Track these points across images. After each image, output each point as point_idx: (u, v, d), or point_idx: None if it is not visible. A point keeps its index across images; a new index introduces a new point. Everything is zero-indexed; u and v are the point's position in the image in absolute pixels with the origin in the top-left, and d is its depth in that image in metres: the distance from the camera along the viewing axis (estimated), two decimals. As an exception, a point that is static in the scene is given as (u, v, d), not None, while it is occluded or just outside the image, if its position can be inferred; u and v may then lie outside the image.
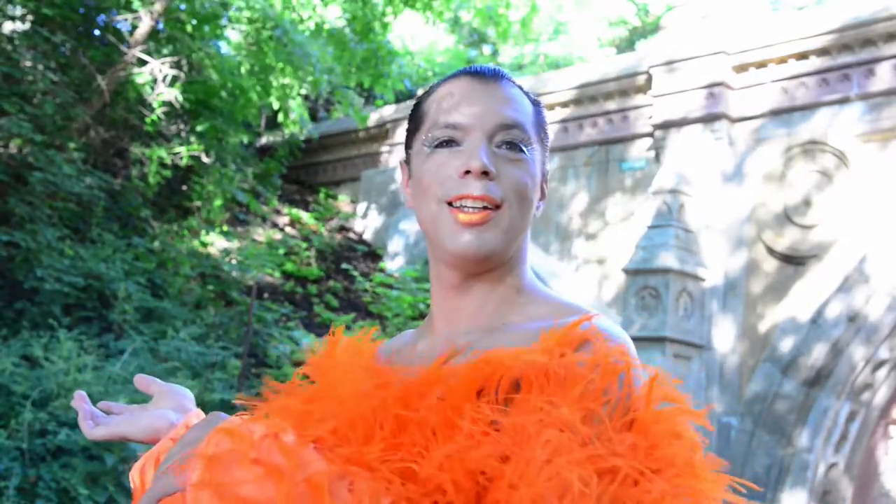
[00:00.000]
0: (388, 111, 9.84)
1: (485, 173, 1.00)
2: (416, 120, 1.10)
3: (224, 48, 9.43)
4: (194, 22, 8.15)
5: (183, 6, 7.99)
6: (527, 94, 1.11)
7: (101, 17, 8.60)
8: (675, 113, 7.17)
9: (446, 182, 1.02)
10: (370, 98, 12.13)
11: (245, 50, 8.56)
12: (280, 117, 9.20)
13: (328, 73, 8.36)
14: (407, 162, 1.12)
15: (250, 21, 8.21)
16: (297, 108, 9.06)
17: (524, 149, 1.04)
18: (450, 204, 1.01)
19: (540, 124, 1.10)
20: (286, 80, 8.65)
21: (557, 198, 8.21)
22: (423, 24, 9.73)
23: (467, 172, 1.00)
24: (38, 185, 6.54)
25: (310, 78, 8.28)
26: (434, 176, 1.03)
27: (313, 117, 11.37)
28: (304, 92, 9.28)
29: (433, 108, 1.07)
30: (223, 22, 8.60)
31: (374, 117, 9.84)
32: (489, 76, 1.07)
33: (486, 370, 0.90)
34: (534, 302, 1.06)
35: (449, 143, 1.04)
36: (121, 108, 8.46)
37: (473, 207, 1.00)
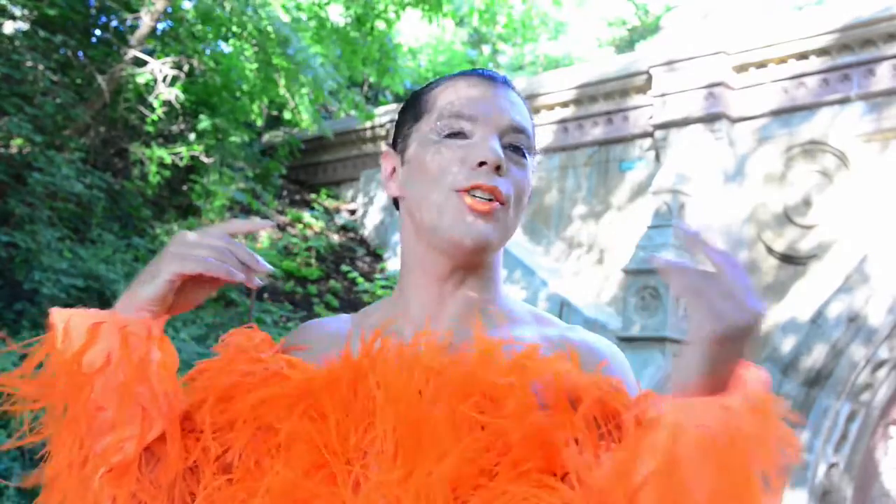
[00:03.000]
0: (388, 111, 9.84)
1: (498, 167, 1.02)
2: (417, 109, 1.10)
3: (226, 47, 9.43)
4: (198, 27, 8.14)
5: (185, 4, 7.98)
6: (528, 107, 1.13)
7: (102, 18, 8.60)
8: (676, 113, 7.17)
9: (459, 170, 1.02)
10: (370, 98, 12.14)
11: (249, 50, 8.56)
12: (288, 115, 9.20)
13: (331, 79, 8.35)
14: (400, 150, 1.11)
15: (243, 34, 8.20)
16: (307, 105, 9.06)
17: (527, 155, 1.07)
18: (458, 193, 1.01)
19: (533, 138, 1.11)
20: (292, 90, 8.66)
21: (557, 198, 8.21)
22: (427, 25, 9.73)
23: (481, 164, 1.01)
24: (38, 186, 6.54)
25: (306, 89, 8.26)
26: (443, 164, 1.03)
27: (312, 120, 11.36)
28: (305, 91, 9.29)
29: (442, 99, 1.07)
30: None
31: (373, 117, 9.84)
32: (499, 80, 1.09)
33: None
34: (513, 309, 1.10)
35: (458, 134, 1.04)
36: (121, 108, 8.46)
37: (482, 198, 1.01)
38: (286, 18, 8.60)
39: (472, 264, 1.05)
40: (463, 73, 1.10)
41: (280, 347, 1.08)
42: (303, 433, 0.93)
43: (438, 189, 1.02)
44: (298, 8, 9.12)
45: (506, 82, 1.10)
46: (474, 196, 1.00)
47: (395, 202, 1.14)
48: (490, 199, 1.01)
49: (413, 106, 1.11)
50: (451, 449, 0.87)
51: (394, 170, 1.12)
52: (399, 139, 1.12)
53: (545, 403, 0.90)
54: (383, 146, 9.93)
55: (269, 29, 7.73)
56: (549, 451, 0.88)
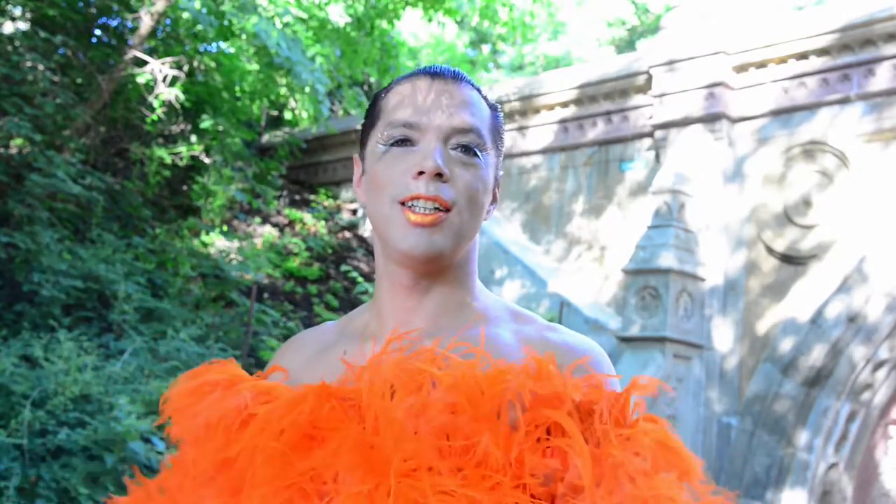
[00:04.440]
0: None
1: (438, 175, 1.00)
2: (372, 116, 1.10)
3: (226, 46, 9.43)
4: (198, 27, 8.14)
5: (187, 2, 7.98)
6: (485, 98, 1.10)
7: (103, 18, 8.60)
8: (676, 113, 7.17)
9: (399, 181, 1.01)
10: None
11: (248, 51, 8.56)
12: (288, 115, 9.21)
13: (319, 83, 8.34)
14: (361, 158, 1.11)
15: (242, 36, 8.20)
16: (307, 105, 9.05)
17: (478, 153, 1.05)
18: (402, 204, 1.01)
19: (496, 129, 1.10)
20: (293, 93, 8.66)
21: (557, 198, 8.21)
22: (427, 24, 9.74)
23: (421, 173, 1.00)
24: (38, 188, 6.53)
25: (308, 88, 8.26)
26: (387, 175, 1.02)
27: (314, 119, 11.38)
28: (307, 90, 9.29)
29: (390, 106, 1.07)
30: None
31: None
32: (449, 77, 1.07)
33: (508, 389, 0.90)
34: (490, 306, 1.09)
35: (403, 142, 1.03)
36: (121, 108, 8.46)
37: (425, 208, 1.00)
38: (279, 24, 8.60)
39: (432, 272, 1.05)
40: (415, 73, 1.09)
41: (266, 371, 1.09)
42: (266, 453, 0.92)
43: (385, 200, 1.02)
44: (298, 6, 9.12)
45: (456, 77, 1.08)
46: (415, 208, 1.00)
47: None
48: (435, 209, 1.00)
49: (371, 111, 1.11)
50: (418, 461, 0.87)
51: (361, 176, 1.12)
52: (362, 145, 1.12)
53: (519, 414, 0.89)
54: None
55: (256, 34, 7.74)
56: (519, 464, 0.87)
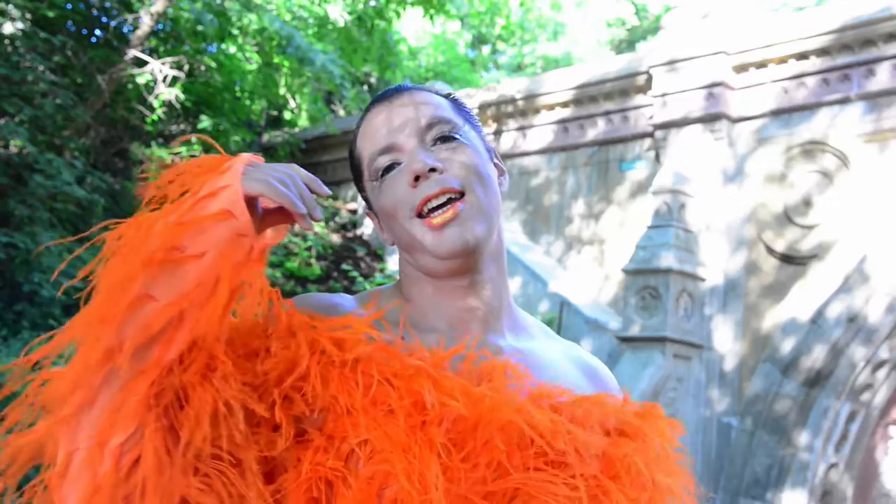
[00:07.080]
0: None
1: (432, 170, 1.03)
2: (355, 166, 1.14)
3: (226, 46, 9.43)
4: (199, 27, 8.14)
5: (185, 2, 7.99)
6: (435, 92, 1.14)
7: (103, 18, 8.60)
8: (676, 113, 7.17)
9: (404, 199, 1.04)
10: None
11: (249, 50, 8.57)
12: (288, 115, 9.20)
13: (336, 71, 8.35)
14: (370, 208, 1.15)
15: (245, 36, 8.20)
16: (310, 102, 9.06)
17: (456, 136, 1.08)
18: (419, 217, 1.03)
19: (459, 108, 1.14)
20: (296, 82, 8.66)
21: (557, 198, 8.21)
22: (430, 24, 9.74)
23: (416, 178, 1.03)
24: (41, 189, 6.53)
25: (308, 88, 8.27)
26: (391, 201, 1.05)
27: (314, 119, 11.38)
28: (307, 90, 9.29)
29: (362, 147, 1.11)
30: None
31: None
32: (394, 92, 1.11)
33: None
34: (523, 317, 1.17)
35: (390, 168, 1.07)
36: (121, 108, 8.46)
37: (440, 207, 1.02)
38: (286, 17, 8.61)
39: (477, 267, 1.07)
40: (367, 108, 1.13)
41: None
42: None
43: (403, 222, 1.05)
44: (300, 6, 9.13)
45: (400, 90, 1.11)
46: (431, 215, 1.02)
47: None
48: (447, 201, 1.02)
49: (353, 165, 1.15)
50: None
51: (379, 221, 1.15)
52: (363, 195, 1.16)
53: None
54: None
55: (272, 29, 7.74)
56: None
